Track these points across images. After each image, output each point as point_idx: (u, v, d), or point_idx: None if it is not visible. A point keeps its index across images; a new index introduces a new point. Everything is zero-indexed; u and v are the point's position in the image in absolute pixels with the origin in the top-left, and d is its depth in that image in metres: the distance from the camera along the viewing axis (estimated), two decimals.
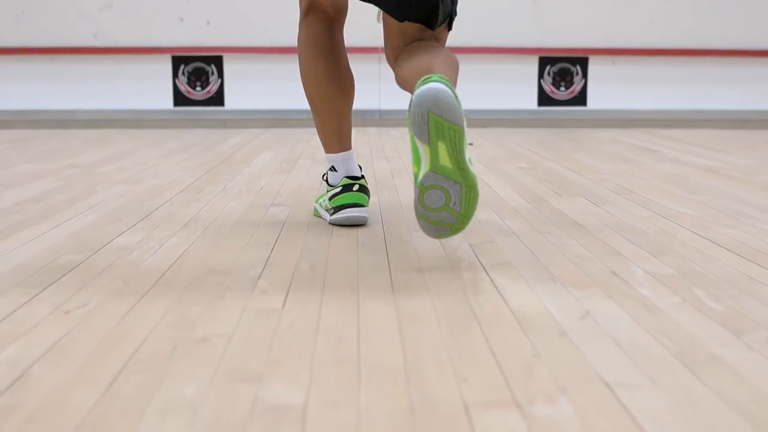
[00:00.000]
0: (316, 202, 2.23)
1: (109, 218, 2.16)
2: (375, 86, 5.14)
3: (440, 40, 1.99)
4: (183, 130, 5.03)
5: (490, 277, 1.58)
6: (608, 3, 5.40)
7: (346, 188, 2.06)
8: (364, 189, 2.08)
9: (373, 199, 2.47)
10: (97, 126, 5.22)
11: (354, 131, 4.71)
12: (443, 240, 1.89)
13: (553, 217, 2.19)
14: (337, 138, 2.11)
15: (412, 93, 1.62)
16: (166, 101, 5.38)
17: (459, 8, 2.00)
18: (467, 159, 1.57)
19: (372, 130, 4.92)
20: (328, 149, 2.13)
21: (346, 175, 2.09)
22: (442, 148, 1.54)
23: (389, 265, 1.68)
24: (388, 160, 3.42)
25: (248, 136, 4.59)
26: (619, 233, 1.98)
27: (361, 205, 2.06)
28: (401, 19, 1.88)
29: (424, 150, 1.55)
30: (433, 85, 1.54)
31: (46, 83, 5.32)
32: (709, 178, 2.92)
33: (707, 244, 1.85)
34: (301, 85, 2.11)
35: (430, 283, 1.54)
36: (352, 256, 1.75)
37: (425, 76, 1.59)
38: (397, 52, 1.96)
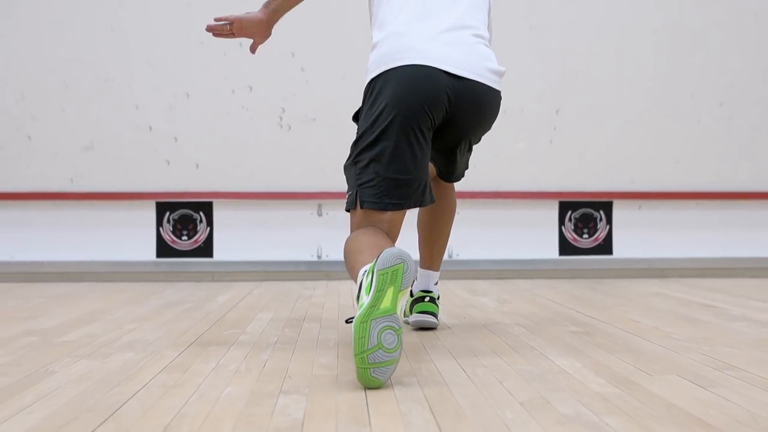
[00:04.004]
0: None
1: (62, 417, 1.58)
2: None
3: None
4: (165, 285, 4.47)
5: None
6: (631, 143, 4.99)
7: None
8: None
9: (416, 385, 1.91)
10: (67, 279, 4.66)
11: (339, 287, 4.18)
12: None
13: (659, 410, 1.63)
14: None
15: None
16: (149, 252, 4.84)
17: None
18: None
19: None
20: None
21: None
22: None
23: None
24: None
25: (240, 292, 4.04)
26: None
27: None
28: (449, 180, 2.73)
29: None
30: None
31: (12, 232, 4.78)
32: None
33: None
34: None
35: None
36: None
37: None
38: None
